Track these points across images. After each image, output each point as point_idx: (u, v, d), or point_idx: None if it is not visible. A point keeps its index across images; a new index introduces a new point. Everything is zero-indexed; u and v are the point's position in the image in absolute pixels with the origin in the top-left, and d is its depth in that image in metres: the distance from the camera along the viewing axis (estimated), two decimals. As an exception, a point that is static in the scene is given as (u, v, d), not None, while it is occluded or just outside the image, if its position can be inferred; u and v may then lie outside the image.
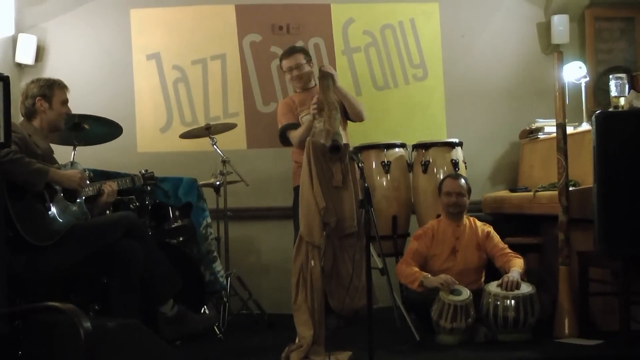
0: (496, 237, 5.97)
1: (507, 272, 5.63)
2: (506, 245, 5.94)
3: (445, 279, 5.48)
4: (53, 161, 5.08)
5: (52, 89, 5.12)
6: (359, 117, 6.26)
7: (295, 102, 6.40)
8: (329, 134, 5.07)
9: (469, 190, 6.03)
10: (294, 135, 6.27)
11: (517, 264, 5.69)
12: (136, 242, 4.89)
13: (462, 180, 6.02)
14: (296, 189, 6.40)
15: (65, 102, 5.21)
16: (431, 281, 5.53)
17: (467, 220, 6.03)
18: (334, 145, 4.90)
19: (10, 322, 4.05)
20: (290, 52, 6.51)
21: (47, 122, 5.11)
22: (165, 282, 5.09)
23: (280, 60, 6.56)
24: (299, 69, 6.37)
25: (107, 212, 5.36)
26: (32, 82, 5.18)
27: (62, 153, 5.52)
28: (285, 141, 6.41)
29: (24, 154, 4.56)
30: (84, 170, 5.25)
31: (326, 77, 5.87)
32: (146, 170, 5.71)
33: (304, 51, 6.55)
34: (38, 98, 5.06)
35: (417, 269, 5.71)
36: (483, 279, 5.96)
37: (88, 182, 5.10)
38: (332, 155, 5.02)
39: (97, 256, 4.79)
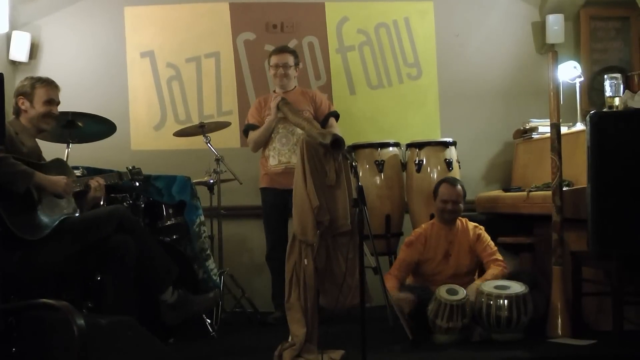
0: (486, 240, 5.97)
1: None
2: (495, 250, 5.94)
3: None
4: (40, 159, 5.05)
5: (34, 87, 5.04)
6: None
7: (266, 103, 6.50)
8: (325, 133, 5.07)
9: (464, 195, 6.02)
10: (251, 135, 6.50)
11: (489, 274, 5.77)
12: (129, 236, 4.87)
13: (459, 187, 6.00)
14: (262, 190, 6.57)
15: (49, 101, 5.08)
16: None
17: (460, 222, 6.03)
18: (335, 139, 4.90)
19: (4, 319, 4.03)
20: (281, 50, 6.63)
21: (30, 120, 5.04)
22: (163, 269, 5.08)
23: (270, 56, 6.65)
24: (285, 67, 6.48)
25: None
26: (22, 80, 5.14)
27: (56, 150, 5.51)
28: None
29: (9, 154, 4.53)
30: (75, 167, 5.26)
31: (287, 104, 6.09)
32: (133, 166, 5.69)
33: (294, 54, 6.64)
34: (20, 96, 5.03)
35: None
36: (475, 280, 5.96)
37: (77, 183, 5.08)
38: (335, 150, 5.01)
39: (90, 252, 4.78)
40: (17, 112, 5.06)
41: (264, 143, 6.45)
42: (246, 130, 6.59)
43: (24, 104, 5.02)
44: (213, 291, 6.00)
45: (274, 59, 6.55)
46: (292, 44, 7.18)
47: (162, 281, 5.11)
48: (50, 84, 5.14)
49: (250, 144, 6.53)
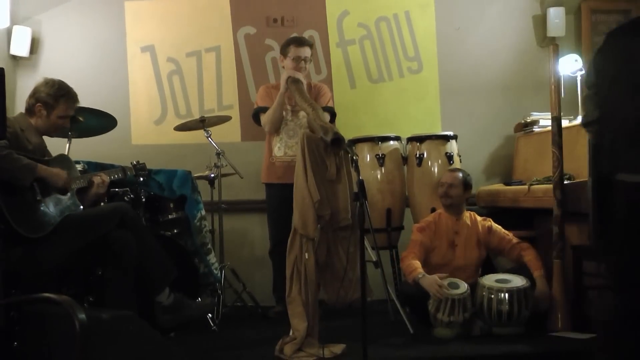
0: (499, 229, 5.98)
1: (520, 262, 5.81)
2: (511, 234, 5.96)
3: (437, 290, 5.43)
4: (46, 155, 5.06)
5: (58, 102, 5.07)
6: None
7: (276, 90, 6.44)
8: (327, 129, 5.06)
9: (467, 185, 6.01)
10: (264, 116, 6.40)
11: (536, 266, 5.72)
12: (129, 232, 4.88)
13: (460, 174, 6.02)
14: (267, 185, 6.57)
15: (65, 116, 5.16)
16: (424, 283, 5.50)
17: (468, 215, 6.03)
18: (336, 137, 4.90)
19: (6, 314, 4.04)
20: (303, 43, 6.49)
21: (41, 126, 5.07)
22: (160, 271, 5.08)
23: (288, 45, 6.48)
24: (305, 61, 6.40)
25: (102, 204, 5.35)
26: (47, 83, 5.11)
27: (57, 145, 5.50)
28: (258, 122, 6.53)
29: (12, 150, 4.53)
30: (76, 162, 5.27)
31: (296, 82, 6.05)
32: (137, 162, 5.70)
33: (312, 46, 6.55)
34: (39, 105, 5.02)
35: (419, 264, 5.67)
36: (479, 274, 5.95)
37: (81, 179, 5.10)
38: (334, 148, 5.01)
39: (91, 247, 4.78)
40: (31, 112, 5.06)
41: (280, 120, 6.36)
42: (256, 113, 6.50)
43: (41, 112, 5.03)
44: (210, 297, 6.06)
45: (295, 51, 6.39)
46: (292, 38, 7.19)
47: (158, 282, 5.12)
48: (74, 101, 5.22)
49: (266, 125, 6.39)
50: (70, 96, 5.16)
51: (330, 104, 6.50)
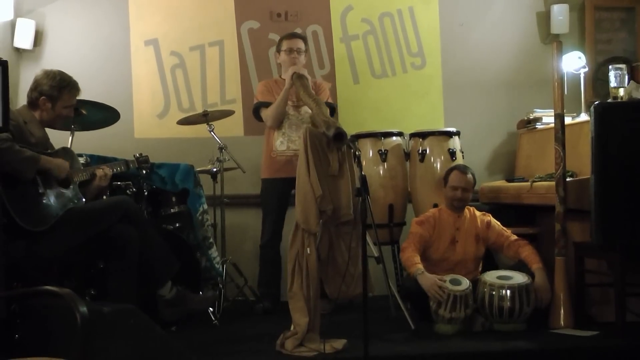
0: (497, 225, 5.98)
1: (518, 258, 5.81)
2: (509, 231, 5.95)
3: (436, 291, 5.42)
4: (49, 147, 5.05)
5: (61, 93, 5.06)
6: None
7: (277, 85, 6.50)
8: (330, 124, 5.06)
9: (474, 184, 6.01)
10: (266, 111, 6.42)
11: (534, 260, 5.72)
12: (132, 226, 4.88)
13: (470, 175, 5.97)
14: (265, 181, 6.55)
15: (69, 106, 5.17)
16: (423, 282, 5.50)
17: (468, 210, 6.02)
18: (338, 132, 4.90)
19: (7, 306, 4.04)
20: (293, 35, 6.62)
21: (46, 119, 5.07)
22: (163, 264, 5.09)
23: (280, 41, 6.61)
24: (299, 53, 6.43)
25: (104, 197, 5.35)
26: (47, 75, 5.09)
27: (60, 138, 5.50)
28: (258, 117, 6.55)
29: (14, 143, 4.52)
30: (78, 155, 5.27)
31: (301, 77, 6.10)
32: (140, 154, 5.70)
33: (305, 39, 6.62)
34: (43, 98, 5.01)
35: (418, 259, 5.65)
36: (480, 270, 5.95)
37: (84, 172, 5.10)
38: (337, 143, 5.01)
39: (93, 241, 4.78)
40: (34, 106, 5.05)
41: (283, 115, 6.36)
42: (257, 108, 6.51)
43: (46, 104, 5.02)
44: (212, 290, 6.05)
45: (287, 44, 6.50)
46: (296, 33, 7.18)
47: (161, 275, 5.13)
48: (76, 90, 5.20)
49: (269, 120, 6.40)
50: (73, 86, 5.15)
51: (329, 101, 6.51)
